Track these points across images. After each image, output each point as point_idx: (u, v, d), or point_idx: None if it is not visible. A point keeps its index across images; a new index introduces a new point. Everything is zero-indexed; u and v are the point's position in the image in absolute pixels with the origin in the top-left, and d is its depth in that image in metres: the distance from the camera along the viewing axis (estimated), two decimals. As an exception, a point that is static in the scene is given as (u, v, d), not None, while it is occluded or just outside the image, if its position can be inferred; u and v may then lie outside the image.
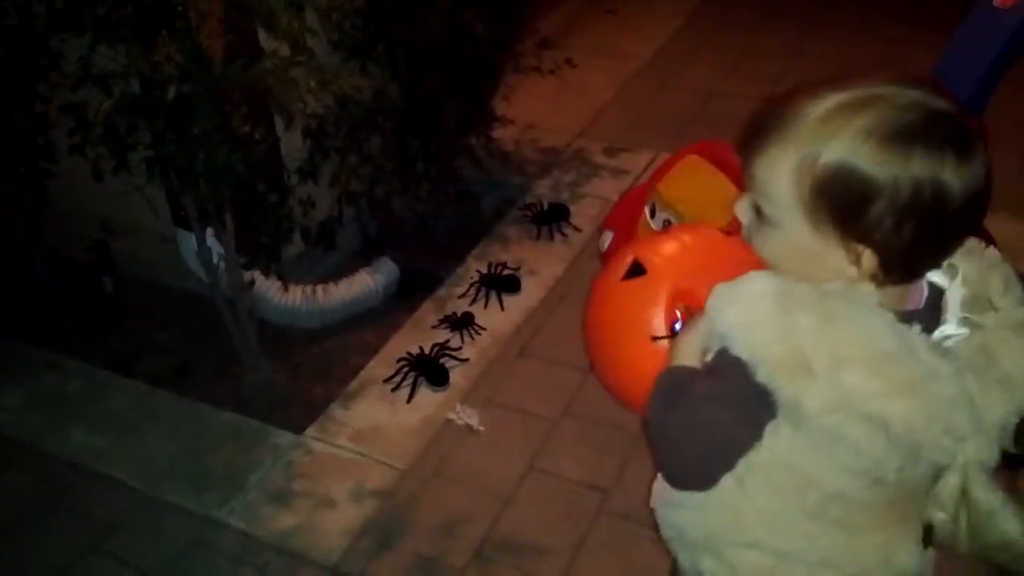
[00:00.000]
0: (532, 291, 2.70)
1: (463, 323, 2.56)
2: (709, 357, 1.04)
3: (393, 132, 2.63)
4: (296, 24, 2.06)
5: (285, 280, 2.39)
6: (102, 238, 2.71)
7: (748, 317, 0.94)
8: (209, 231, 2.22)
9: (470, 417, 2.28)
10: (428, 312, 2.64)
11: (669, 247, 1.51)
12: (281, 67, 1.89)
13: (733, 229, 1.62)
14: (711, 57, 4.02)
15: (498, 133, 3.08)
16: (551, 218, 2.94)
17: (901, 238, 0.89)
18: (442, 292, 2.72)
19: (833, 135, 0.88)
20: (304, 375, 2.52)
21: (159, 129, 1.91)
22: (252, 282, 2.28)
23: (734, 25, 4.28)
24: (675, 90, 3.76)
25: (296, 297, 2.58)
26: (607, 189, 3.13)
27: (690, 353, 1.07)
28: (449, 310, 2.63)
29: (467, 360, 2.45)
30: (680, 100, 3.68)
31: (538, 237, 2.91)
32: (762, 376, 0.91)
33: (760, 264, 1.42)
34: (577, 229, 2.93)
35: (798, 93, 0.93)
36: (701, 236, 1.54)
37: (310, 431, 2.27)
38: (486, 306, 2.65)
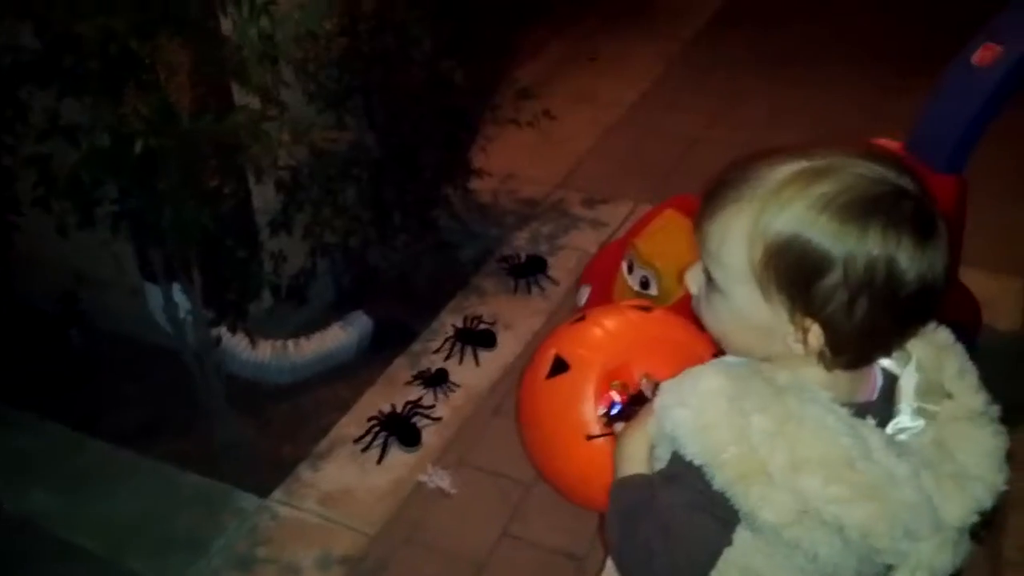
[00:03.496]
0: (508, 346, 2.64)
1: (437, 380, 2.50)
2: (658, 454, 0.99)
3: (369, 182, 2.59)
4: (269, 77, 2.03)
5: (253, 336, 2.33)
6: (71, 290, 2.64)
7: (701, 420, 0.89)
8: (176, 286, 2.16)
9: (442, 479, 2.22)
10: (401, 368, 2.59)
11: (590, 336, 1.43)
12: (253, 121, 1.84)
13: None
14: (694, 103, 4.01)
15: (476, 184, 3.04)
16: (528, 271, 2.90)
17: (853, 317, 0.85)
18: (416, 347, 2.66)
19: (789, 203, 0.84)
20: (273, 432, 2.45)
21: (125, 183, 1.86)
22: (219, 340, 2.21)
23: (718, 70, 4.28)
24: (657, 139, 3.74)
25: (266, 352, 2.52)
26: (585, 241, 3.09)
27: (638, 457, 1.02)
28: (423, 366, 2.57)
29: (440, 419, 2.39)
30: (662, 149, 3.66)
31: (515, 290, 2.86)
32: (719, 483, 0.87)
33: (682, 340, 1.37)
34: (555, 282, 2.89)
35: (756, 157, 0.90)
36: (621, 318, 1.47)
37: (277, 494, 2.20)
38: (461, 362, 2.59)
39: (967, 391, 0.94)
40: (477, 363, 2.58)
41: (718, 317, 0.94)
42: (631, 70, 4.33)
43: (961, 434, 0.92)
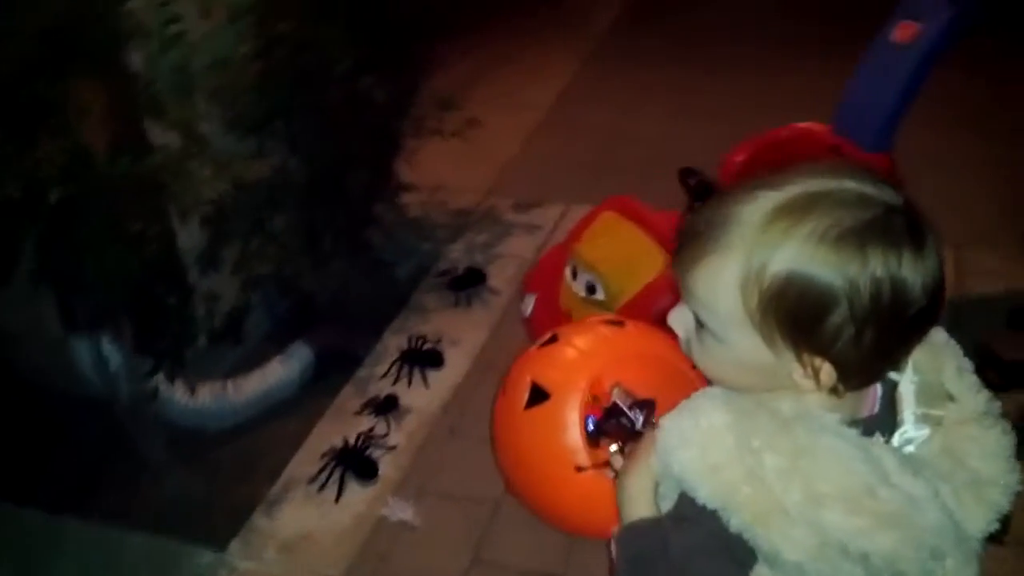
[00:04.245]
0: (456, 363, 2.57)
1: (387, 406, 2.42)
2: (663, 492, 0.94)
3: (297, 209, 2.49)
4: (186, 111, 1.92)
5: (191, 380, 2.21)
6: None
7: (708, 461, 0.84)
8: (104, 337, 2.04)
9: (404, 511, 2.14)
10: (349, 397, 2.50)
11: (565, 359, 1.36)
12: (173, 160, 1.74)
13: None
14: (611, 99, 3.99)
15: (406, 199, 2.97)
16: (468, 283, 2.84)
17: (862, 346, 0.81)
18: (362, 373, 2.57)
19: (779, 242, 0.80)
20: (222, 480, 2.33)
21: (43, 234, 1.74)
22: (156, 391, 2.09)
23: (631, 64, 4.28)
24: (579, 137, 3.71)
25: (205, 397, 2.39)
26: (521, 247, 3.04)
27: (642, 498, 0.96)
28: (371, 393, 2.48)
29: (395, 447, 2.31)
30: (585, 147, 3.63)
31: (456, 304, 2.80)
32: (735, 525, 0.83)
33: (660, 354, 1.32)
34: (496, 292, 2.83)
35: (723, 198, 0.85)
36: (594, 335, 1.41)
37: (234, 546, 2.09)
38: (410, 384, 2.51)
39: (968, 392, 0.91)
40: (427, 384, 2.51)
41: (713, 360, 0.89)
42: (547, 70, 4.30)
43: (969, 438, 0.89)
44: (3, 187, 1.68)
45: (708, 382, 1.19)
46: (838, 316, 0.79)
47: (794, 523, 0.80)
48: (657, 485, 0.95)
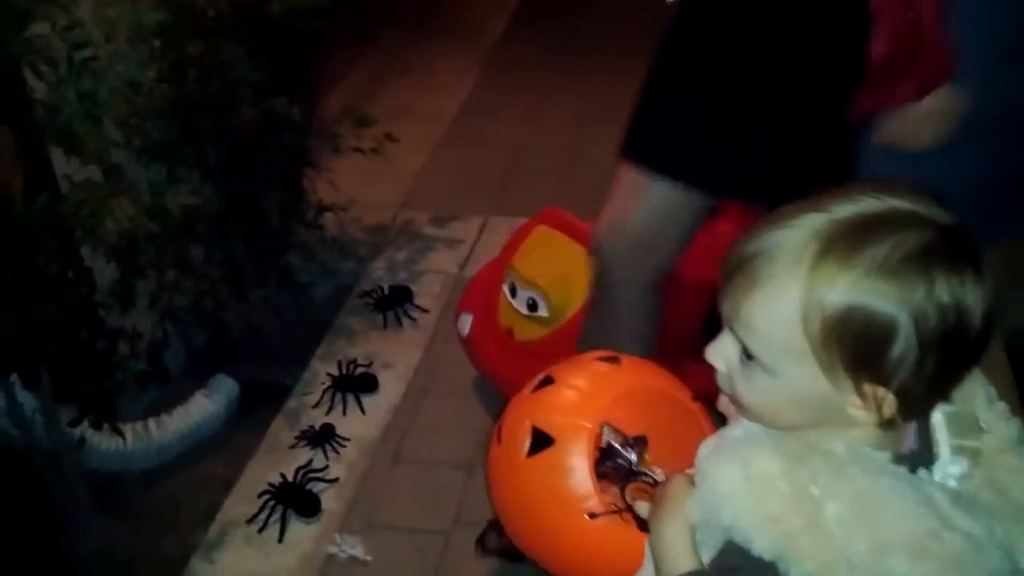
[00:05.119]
0: (391, 387, 2.50)
1: (323, 437, 2.33)
2: (702, 539, 0.90)
3: (214, 236, 2.37)
4: (98, 142, 1.79)
5: (116, 424, 2.07)
6: None
7: (765, 511, 0.80)
8: (17, 382, 1.89)
9: (353, 547, 2.06)
10: (281, 429, 2.39)
11: (566, 401, 1.28)
12: (100, 197, 1.61)
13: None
14: (514, 106, 3.97)
15: (314, 211, 2.86)
16: (394, 302, 2.76)
17: (923, 375, 0.79)
18: (292, 404, 2.47)
19: (838, 270, 0.77)
20: (150, 528, 2.20)
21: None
22: (83, 440, 1.95)
23: (529, 69, 4.27)
24: (486, 147, 3.67)
25: (127, 437, 2.25)
26: (445, 262, 2.98)
27: (682, 547, 0.90)
28: (304, 424, 2.38)
29: (336, 480, 2.22)
30: (493, 157, 3.60)
31: (385, 326, 2.72)
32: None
33: (662, 389, 1.28)
34: (424, 310, 2.77)
35: (771, 221, 0.83)
36: (593, 373, 1.33)
37: (173, 599, 1.98)
38: (344, 412, 2.42)
39: (1000, 419, 0.90)
40: (363, 411, 2.42)
41: (761, 395, 0.85)
42: (444, 81, 4.24)
43: (1009, 469, 0.87)
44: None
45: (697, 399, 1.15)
46: (903, 344, 0.77)
47: (858, 573, 0.77)
48: (693, 532, 0.91)
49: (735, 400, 0.88)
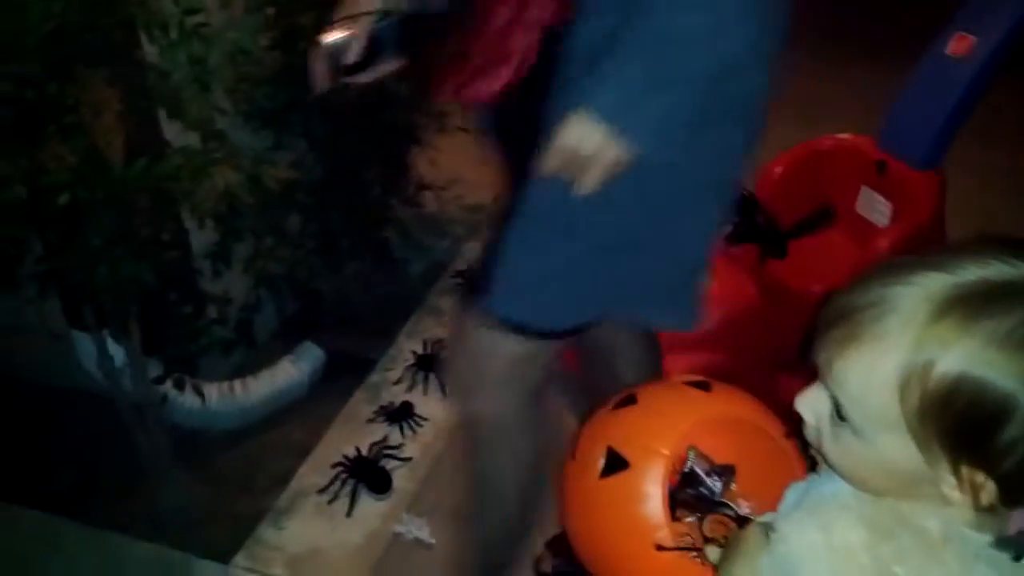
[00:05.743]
0: (473, 372, 2.48)
1: (401, 414, 2.33)
2: None
3: (314, 207, 2.38)
4: (204, 107, 1.81)
5: (197, 381, 2.11)
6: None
7: None
8: (109, 334, 1.95)
9: (420, 529, 2.06)
10: (361, 403, 2.40)
11: (647, 425, 1.22)
12: (195, 164, 1.63)
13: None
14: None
15: (414, 188, 2.86)
16: (486, 286, 2.73)
17: None
18: (374, 378, 2.48)
19: (952, 339, 0.70)
20: (227, 487, 2.24)
21: (51, 241, 1.63)
22: (165, 397, 2.00)
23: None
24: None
25: (212, 397, 2.30)
26: (541, 249, 2.94)
27: None
28: (384, 400, 2.39)
29: (410, 459, 2.23)
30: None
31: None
32: None
33: (751, 420, 1.20)
34: (514, 296, 2.73)
35: (884, 272, 0.76)
36: (679, 397, 1.26)
37: (239, 559, 2.01)
38: (425, 392, 2.42)
39: None
40: (443, 392, 2.42)
41: (849, 457, 0.79)
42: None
43: None
44: (9, 188, 1.57)
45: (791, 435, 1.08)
46: (1015, 430, 0.70)
47: None
48: None
49: (822, 456, 0.82)
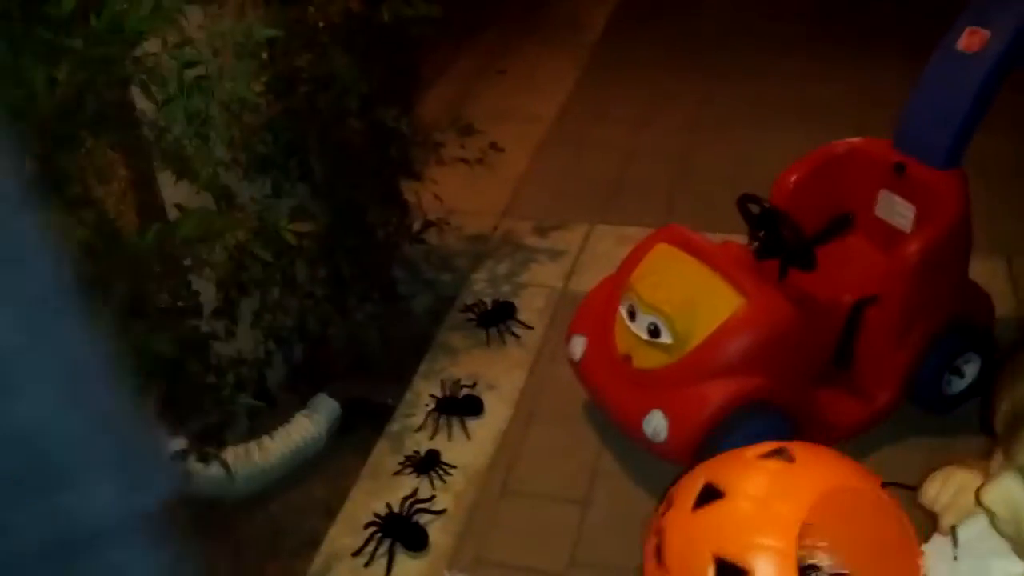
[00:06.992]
0: (497, 410, 2.39)
1: (429, 464, 2.23)
2: None
3: (320, 253, 2.28)
4: (208, 163, 1.71)
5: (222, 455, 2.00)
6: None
7: None
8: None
9: (464, 585, 1.96)
10: (384, 454, 2.30)
11: (749, 519, 1.06)
12: (212, 227, 1.53)
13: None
14: (617, 110, 3.81)
15: (419, 225, 2.77)
16: (498, 318, 2.65)
17: None
18: (395, 426, 2.38)
19: None
20: (251, 555, 2.13)
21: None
22: (188, 474, 1.89)
23: (633, 72, 4.10)
24: (591, 152, 3.53)
25: (231, 463, 2.18)
26: (548, 275, 2.86)
27: None
28: (408, 448, 2.29)
29: (444, 511, 2.13)
30: (598, 163, 3.46)
31: (488, 343, 2.61)
32: None
33: (856, 486, 1.08)
34: (528, 326, 2.65)
35: None
36: (763, 478, 1.09)
37: (279, 635, 1.90)
38: (450, 437, 2.33)
39: None
40: (468, 436, 2.32)
41: None
42: (544, 82, 4.11)
43: None
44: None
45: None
46: None
47: None
48: None
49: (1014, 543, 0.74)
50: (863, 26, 4.27)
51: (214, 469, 2.08)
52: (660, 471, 2.08)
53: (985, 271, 2.58)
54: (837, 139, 2.40)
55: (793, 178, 2.33)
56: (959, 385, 2.26)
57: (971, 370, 2.26)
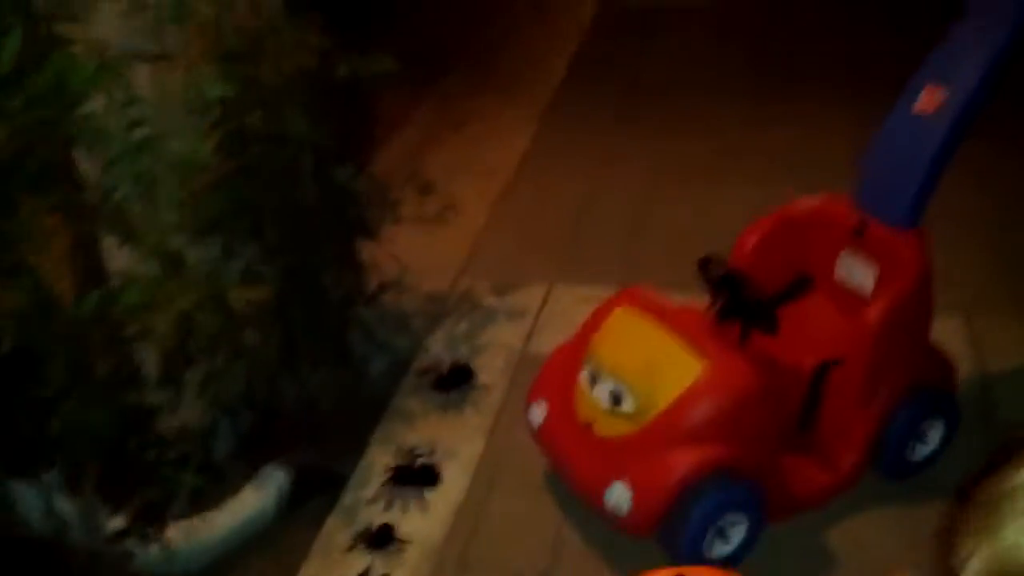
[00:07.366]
0: (455, 479, 2.31)
1: (382, 539, 2.14)
2: None
3: (271, 317, 2.20)
4: (155, 227, 1.64)
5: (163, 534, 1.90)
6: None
7: None
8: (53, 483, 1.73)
9: (422, 669, 1.87)
10: (336, 529, 2.20)
11: None
12: (155, 296, 1.45)
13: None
14: (577, 163, 3.77)
15: (375, 287, 2.70)
16: (456, 382, 2.58)
17: None
18: (347, 498, 2.28)
19: None
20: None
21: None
22: (131, 555, 1.78)
23: (590, 123, 4.09)
24: (551, 207, 3.49)
25: (173, 537, 2.07)
26: (507, 336, 2.80)
27: None
28: (361, 523, 2.19)
29: (399, 588, 2.03)
30: (559, 218, 3.41)
31: (445, 407, 2.53)
32: None
33: None
34: (486, 390, 2.58)
35: None
36: None
37: None
38: (404, 510, 2.23)
39: None
40: (424, 508, 2.23)
41: None
42: (502, 134, 4.08)
43: None
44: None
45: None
46: None
47: None
48: None
49: None
50: (806, 67, 4.30)
51: (155, 548, 1.98)
52: (625, 545, 2.02)
53: (944, 330, 2.56)
54: (794, 186, 2.39)
55: (753, 240, 2.31)
56: (922, 451, 2.23)
57: (934, 436, 2.23)
